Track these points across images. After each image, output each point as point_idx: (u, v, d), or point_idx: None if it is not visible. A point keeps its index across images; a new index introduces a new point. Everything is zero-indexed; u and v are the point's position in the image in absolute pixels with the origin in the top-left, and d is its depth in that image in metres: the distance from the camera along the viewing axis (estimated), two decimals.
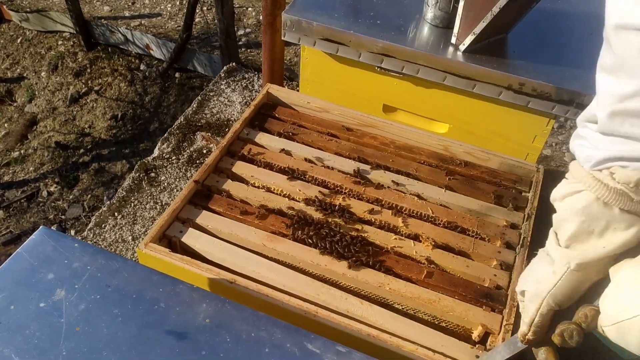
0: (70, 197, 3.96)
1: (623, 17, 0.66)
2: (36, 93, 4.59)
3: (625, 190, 0.72)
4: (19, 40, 4.73)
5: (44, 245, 0.92)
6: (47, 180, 4.14)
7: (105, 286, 0.88)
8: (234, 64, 2.50)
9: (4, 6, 4.69)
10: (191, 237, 1.12)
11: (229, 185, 1.23)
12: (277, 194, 1.23)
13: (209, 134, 2.05)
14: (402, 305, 1.08)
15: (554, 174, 2.73)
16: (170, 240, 1.13)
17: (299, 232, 1.13)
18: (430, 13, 1.47)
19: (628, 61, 0.68)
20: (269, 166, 1.28)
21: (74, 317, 0.83)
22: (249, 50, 4.40)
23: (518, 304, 0.87)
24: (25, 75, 4.68)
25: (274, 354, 0.82)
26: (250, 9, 4.82)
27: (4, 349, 0.79)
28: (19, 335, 0.80)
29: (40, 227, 0.95)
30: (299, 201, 1.21)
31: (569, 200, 0.78)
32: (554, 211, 0.81)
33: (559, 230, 0.80)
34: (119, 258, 0.93)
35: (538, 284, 0.81)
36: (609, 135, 0.72)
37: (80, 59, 4.55)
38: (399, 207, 1.21)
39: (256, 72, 2.43)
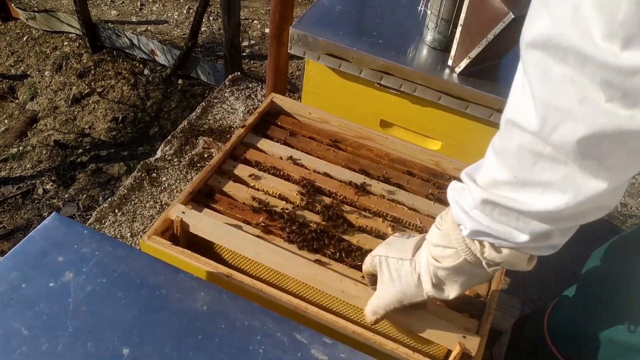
0: (66, 196, 4.00)
1: (511, 111, 0.72)
2: (38, 91, 4.64)
3: (485, 263, 0.84)
4: (25, 39, 4.79)
5: (55, 230, 0.98)
6: (43, 178, 4.18)
7: (112, 271, 0.93)
8: (238, 73, 2.58)
9: (12, 4, 4.76)
10: (193, 218, 1.17)
11: (230, 186, 1.29)
12: (275, 196, 1.29)
13: (211, 139, 2.12)
14: None
15: None
16: (172, 222, 1.18)
17: (292, 234, 1.20)
18: (429, 36, 1.56)
19: (508, 152, 0.73)
20: (269, 170, 1.34)
21: (81, 298, 0.89)
22: (252, 61, 4.49)
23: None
24: (29, 73, 4.74)
25: (265, 341, 0.88)
26: (256, 21, 4.92)
27: (15, 323, 0.84)
28: (29, 311, 0.86)
29: (53, 213, 1.01)
30: (295, 204, 1.27)
31: (441, 251, 0.89)
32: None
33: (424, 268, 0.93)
34: (125, 246, 0.99)
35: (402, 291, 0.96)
36: (481, 211, 0.79)
37: (84, 61, 4.62)
38: (389, 216, 1.28)
39: (259, 83, 2.51)
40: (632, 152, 0.65)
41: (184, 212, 1.18)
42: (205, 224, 1.17)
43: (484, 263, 0.84)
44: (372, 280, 1.05)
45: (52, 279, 0.91)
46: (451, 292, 0.92)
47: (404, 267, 0.95)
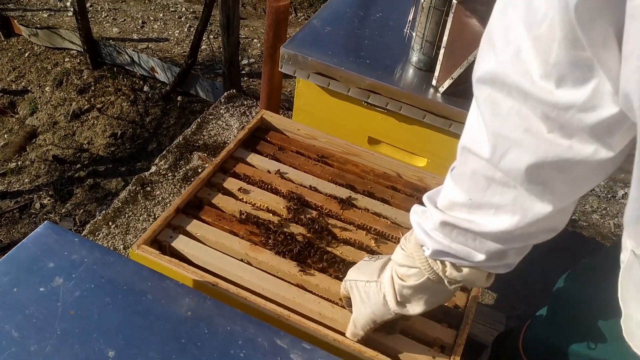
0: (63, 210, 4.03)
1: (466, 139, 0.79)
2: (39, 107, 4.70)
3: (447, 281, 0.90)
4: (26, 55, 4.87)
5: (47, 237, 1.02)
6: (41, 193, 4.21)
7: (100, 277, 0.97)
8: (234, 90, 2.64)
9: (15, 21, 4.84)
10: (180, 243, 1.22)
11: (219, 199, 1.33)
12: (262, 209, 1.33)
13: (205, 155, 2.17)
14: None
15: None
16: (160, 245, 1.23)
17: (278, 245, 1.24)
18: (415, 57, 1.61)
19: (464, 177, 0.80)
20: (257, 184, 1.39)
21: (69, 302, 0.93)
22: (251, 79, 4.56)
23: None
24: (29, 88, 4.80)
25: (246, 346, 0.92)
26: (255, 40, 5.00)
27: (5, 325, 0.88)
28: (19, 314, 0.90)
29: (46, 221, 1.05)
30: (281, 217, 1.31)
31: (406, 271, 0.94)
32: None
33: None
34: (114, 253, 1.03)
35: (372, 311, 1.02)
36: (441, 232, 0.85)
37: (85, 77, 4.68)
38: (372, 229, 1.32)
39: (255, 100, 2.57)
40: (573, 179, 0.72)
41: (171, 237, 1.23)
42: (192, 248, 1.22)
43: (445, 281, 0.90)
44: (348, 302, 1.12)
45: (43, 283, 0.95)
46: (416, 308, 0.97)
47: (371, 288, 1.01)
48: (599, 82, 0.62)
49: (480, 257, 0.83)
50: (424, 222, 0.88)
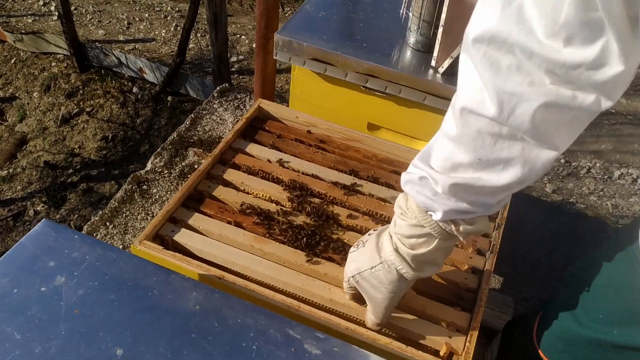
0: (57, 216, 3.98)
1: (464, 100, 0.79)
2: (27, 113, 4.64)
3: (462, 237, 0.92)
4: (12, 61, 4.80)
5: (45, 236, 0.98)
6: (34, 200, 4.16)
7: (103, 274, 0.94)
8: (226, 84, 2.60)
9: (0, 27, 4.77)
10: (183, 236, 1.19)
11: (220, 191, 1.30)
12: (265, 199, 1.30)
13: (201, 150, 2.13)
14: None
15: (533, 199, 2.84)
16: (163, 240, 1.19)
17: (283, 235, 1.20)
18: (412, 38, 1.58)
19: (467, 137, 0.81)
20: (258, 174, 1.35)
21: (73, 301, 0.89)
22: (241, 76, 4.52)
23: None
24: (17, 95, 4.73)
25: (258, 338, 0.88)
26: (243, 37, 4.96)
27: (7, 327, 0.84)
28: (21, 315, 0.86)
29: (43, 219, 1.01)
30: (285, 206, 1.28)
31: (415, 241, 0.94)
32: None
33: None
34: (116, 249, 0.99)
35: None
36: (451, 194, 0.86)
37: (73, 81, 4.63)
38: (379, 215, 1.29)
39: (248, 93, 2.53)
40: (574, 123, 0.77)
41: (173, 231, 1.19)
42: (195, 241, 1.18)
43: (461, 237, 0.91)
44: (355, 296, 1.10)
45: (44, 283, 0.91)
46: (431, 270, 0.99)
47: (380, 271, 0.99)
48: (607, 41, 0.65)
49: (494, 207, 0.88)
50: (425, 189, 0.88)
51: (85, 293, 0.90)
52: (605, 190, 3.37)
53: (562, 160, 3.54)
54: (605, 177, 3.47)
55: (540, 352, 1.28)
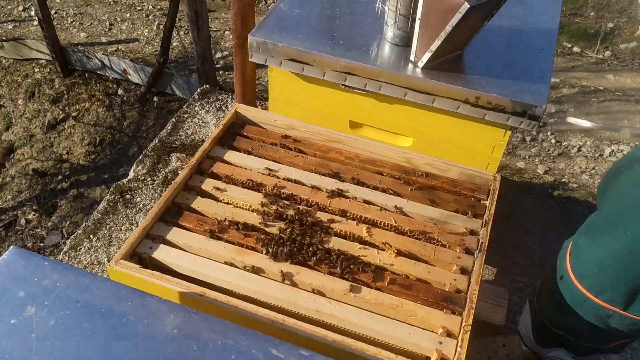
0: (49, 224, 3.94)
1: None
2: (13, 121, 4.58)
3: None
4: None
5: (14, 264, 0.95)
6: (25, 208, 4.12)
7: (75, 302, 0.90)
8: (207, 86, 2.55)
9: None
10: (162, 253, 1.15)
11: (199, 202, 1.26)
12: (245, 209, 1.27)
13: (184, 155, 2.09)
14: (367, 311, 1.12)
15: (524, 185, 2.81)
16: (141, 258, 1.16)
17: (268, 246, 1.17)
18: (390, 32, 1.54)
19: None
20: (237, 183, 1.32)
21: (44, 332, 0.86)
22: (227, 73, 4.46)
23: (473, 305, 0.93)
24: (1, 103, 4.67)
25: (239, 359, 0.85)
26: (227, 32, 4.89)
27: None
28: None
29: (11, 247, 0.98)
30: (267, 215, 1.25)
31: None
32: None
33: None
34: (88, 274, 0.96)
35: None
36: None
37: (57, 86, 4.56)
38: (363, 218, 1.26)
39: (230, 94, 2.49)
40: None
41: (150, 248, 1.16)
42: (174, 257, 1.15)
43: None
44: None
45: (14, 315, 0.88)
46: None
47: None
48: None
49: None
50: None
51: (57, 323, 0.87)
52: (596, 168, 3.35)
53: (553, 141, 3.51)
54: (597, 155, 3.45)
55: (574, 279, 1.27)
